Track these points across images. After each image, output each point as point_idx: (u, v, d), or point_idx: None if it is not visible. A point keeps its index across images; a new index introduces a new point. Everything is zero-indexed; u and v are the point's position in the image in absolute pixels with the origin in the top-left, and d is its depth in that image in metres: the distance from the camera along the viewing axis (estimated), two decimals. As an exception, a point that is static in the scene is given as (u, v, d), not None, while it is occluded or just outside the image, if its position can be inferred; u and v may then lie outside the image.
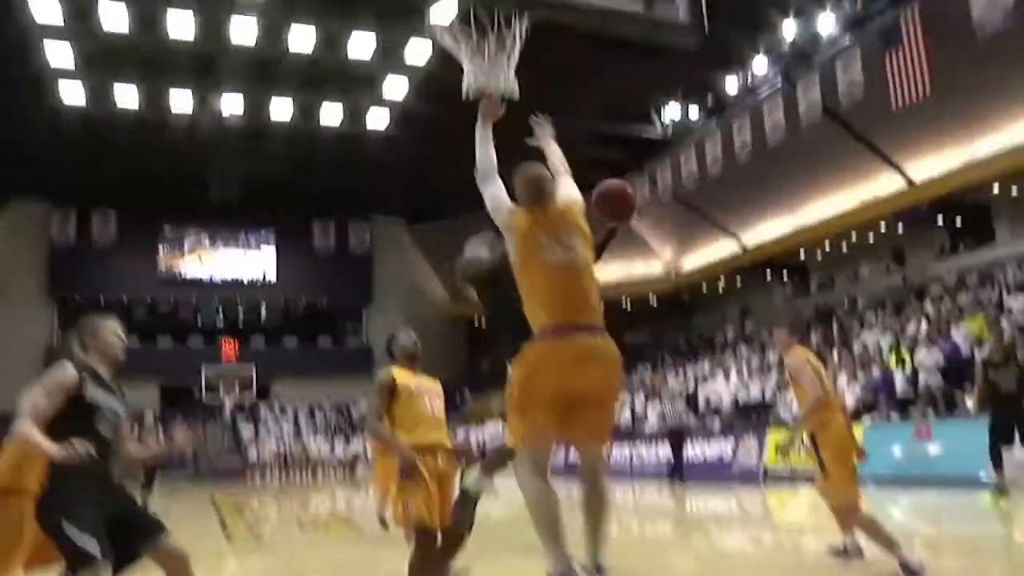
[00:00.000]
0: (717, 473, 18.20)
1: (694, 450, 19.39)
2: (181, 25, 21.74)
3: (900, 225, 24.69)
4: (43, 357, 33.07)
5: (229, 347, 34.54)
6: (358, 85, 25.71)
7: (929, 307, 19.99)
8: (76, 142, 28.16)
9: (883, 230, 25.21)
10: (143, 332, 34.91)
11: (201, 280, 35.86)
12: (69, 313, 34.75)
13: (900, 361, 17.54)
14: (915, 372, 17.10)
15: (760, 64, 24.10)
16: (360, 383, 32.75)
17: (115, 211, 34.00)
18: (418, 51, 23.49)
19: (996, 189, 21.72)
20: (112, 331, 4.12)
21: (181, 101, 26.07)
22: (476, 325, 38.94)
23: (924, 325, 18.72)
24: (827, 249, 27.52)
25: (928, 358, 17.07)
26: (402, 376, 5.09)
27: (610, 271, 35.56)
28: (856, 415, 16.68)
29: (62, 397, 4.05)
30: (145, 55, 23.29)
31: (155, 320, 35.83)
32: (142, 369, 33.88)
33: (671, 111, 28.09)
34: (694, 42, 20.94)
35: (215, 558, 8.44)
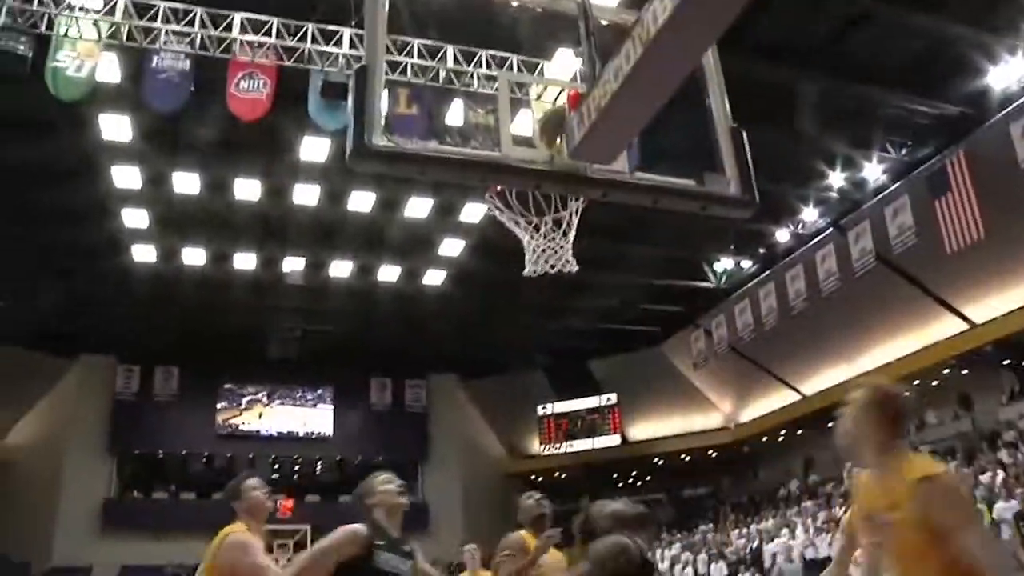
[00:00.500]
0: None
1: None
2: (248, 190, 22.87)
3: (964, 369, 24.18)
4: (100, 511, 33.32)
5: (284, 504, 34.30)
6: (415, 245, 26.51)
7: (1003, 454, 19.26)
8: (144, 299, 29.29)
9: (946, 373, 24.70)
10: (200, 487, 35.02)
11: (257, 434, 36.07)
12: (127, 466, 35.19)
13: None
14: (995, 525, 16.33)
15: (810, 214, 24.39)
16: (416, 540, 31.97)
17: (177, 367, 34.78)
18: (473, 211, 24.26)
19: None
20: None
21: (245, 261, 27.08)
22: (534, 479, 38.41)
23: (1000, 474, 18.00)
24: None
25: (1007, 510, 16.32)
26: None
27: (669, 425, 35.20)
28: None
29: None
30: (213, 217, 24.45)
31: (211, 475, 35.89)
32: (198, 524, 33.83)
33: (724, 263, 28.35)
34: (747, 214, 21.38)
35: None
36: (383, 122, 3.68)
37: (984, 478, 18.25)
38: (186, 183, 22.42)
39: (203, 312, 30.91)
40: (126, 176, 21.79)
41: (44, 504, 32.44)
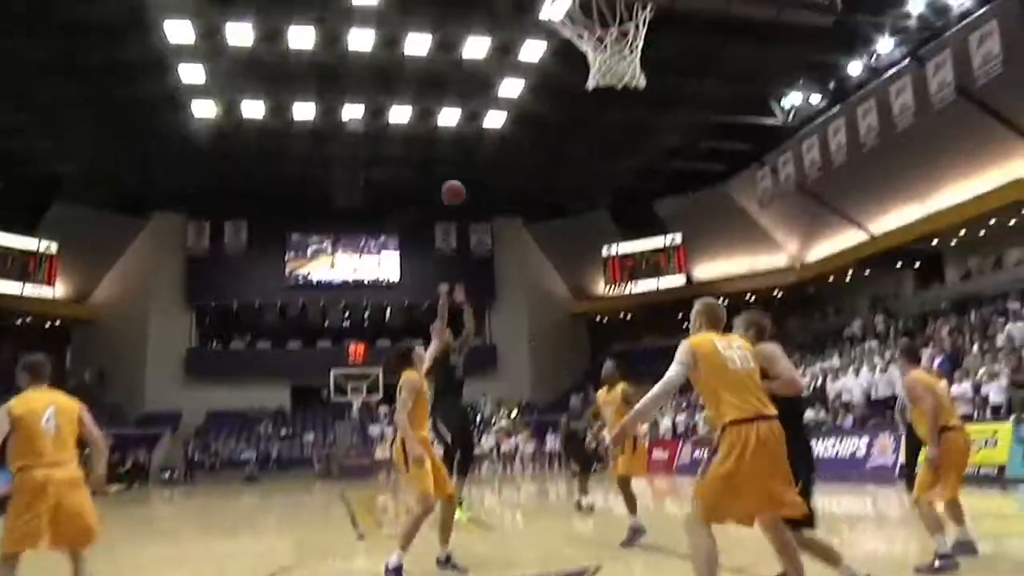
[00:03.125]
0: (850, 470, 17.51)
1: (826, 447, 18.73)
2: (302, 37, 22.47)
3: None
4: (184, 361, 34.97)
5: (356, 349, 35.47)
6: (474, 87, 26.01)
7: (1081, 294, 18.76)
8: (207, 155, 29.60)
9: (1027, 212, 23.80)
10: (274, 335, 36.33)
11: (328, 283, 36.97)
12: (205, 318, 36.57)
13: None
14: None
15: (886, 44, 23.10)
16: (485, 381, 33.10)
17: (245, 220, 35.51)
18: (533, 50, 23.54)
19: None
20: None
21: (304, 111, 26.94)
22: (599, 320, 38.89)
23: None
24: (963, 235, 26.18)
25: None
26: None
27: (735, 265, 34.96)
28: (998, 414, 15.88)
29: None
30: (269, 68, 24.22)
31: (285, 324, 37.15)
32: (274, 371, 35.38)
33: (792, 98, 27.29)
34: (828, 22, 20.26)
35: (347, 553, 8.69)
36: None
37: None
38: (240, 34, 22.12)
39: (266, 164, 31.23)
40: (179, 30, 21.55)
41: (132, 355, 34.38)
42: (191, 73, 23.92)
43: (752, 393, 4.22)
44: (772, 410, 4.20)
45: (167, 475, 29.55)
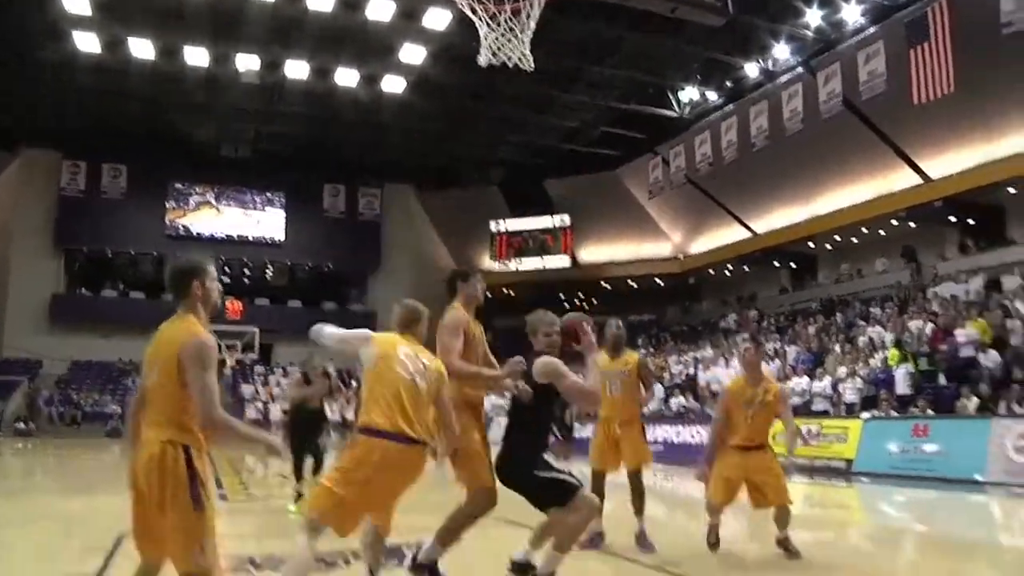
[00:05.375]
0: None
1: (692, 433, 19.35)
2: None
3: (912, 222, 24.54)
4: (48, 307, 33.35)
5: (233, 306, 34.53)
6: (376, 49, 25.50)
7: (936, 306, 19.87)
8: (89, 92, 28.11)
9: (895, 225, 25.08)
10: (149, 286, 35.03)
11: (209, 237, 35.82)
12: (75, 264, 34.95)
13: (903, 358, 17.49)
14: (917, 370, 17.07)
15: (782, 50, 23.86)
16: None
17: (126, 165, 33.96)
18: (438, 18, 23.22)
19: (1012, 191, 21.58)
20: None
21: (196, 56, 25.84)
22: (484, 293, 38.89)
23: (929, 325, 18.61)
24: (838, 240, 27.44)
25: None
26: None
27: (620, 251, 35.62)
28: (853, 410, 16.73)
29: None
30: (161, 7, 23.09)
31: (161, 275, 35.77)
32: (147, 323, 34.04)
33: (689, 93, 27.87)
34: (719, 21, 20.68)
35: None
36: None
37: (913, 325, 18.87)
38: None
39: (152, 108, 29.84)
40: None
41: (-9, 298, 32.47)
42: (75, 3, 22.57)
43: (406, 405, 4.09)
44: (415, 434, 4.06)
45: (21, 425, 28.18)
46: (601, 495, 6.02)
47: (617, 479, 6.60)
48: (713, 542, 6.13)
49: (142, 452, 3.18)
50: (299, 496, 8.80)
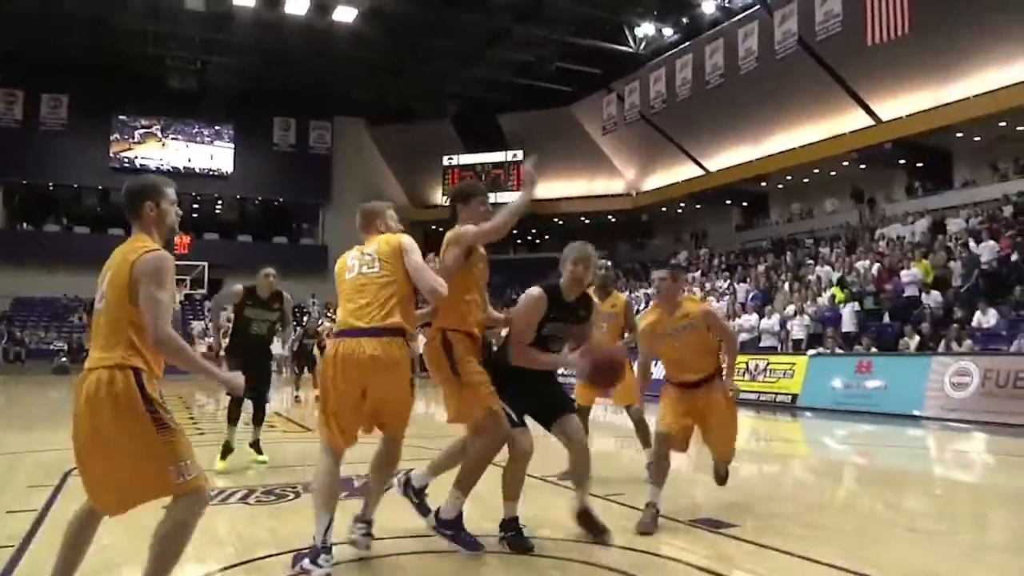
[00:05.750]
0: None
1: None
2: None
3: (862, 164, 24.85)
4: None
5: (181, 240, 33.94)
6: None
7: (882, 246, 20.24)
8: (26, 18, 26.96)
9: (846, 166, 25.37)
10: (94, 220, 34.19)
11: (156, 169, 34.90)
12: (15, 197, 33.95)
13: (849, 297, 17.84)
14: (863, 308, 17.44)
15: (739, -13, 23.74)
16: (315, 282, 32.68)
17: (67, 94, 32.77)
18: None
19: (960, 135, 21.91)
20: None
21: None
22: (435, 229, 38.75)
23: (876, 265, 18.97)
24: (789, 180, 27.71)
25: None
26: None
27: (573, 187, 35.57)
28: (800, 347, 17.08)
29: None
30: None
31: (106, 209, 35.02)
32: (92, 258, 33.28)
33: (645, 29, 27.65)
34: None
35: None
36: None
37: (859, 265, 19.24)
38: None
39: (94, 36, 28.76)
40: None
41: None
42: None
43: (352, 302, 3.94)
44: (365, 323, 3.85)
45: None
46: (585, 429, 5.53)
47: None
48: (653, 480, 5.10)
49: (87, 379, 2.91)
50: (227, 450, 7.17)
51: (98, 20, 27.35)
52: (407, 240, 4.12)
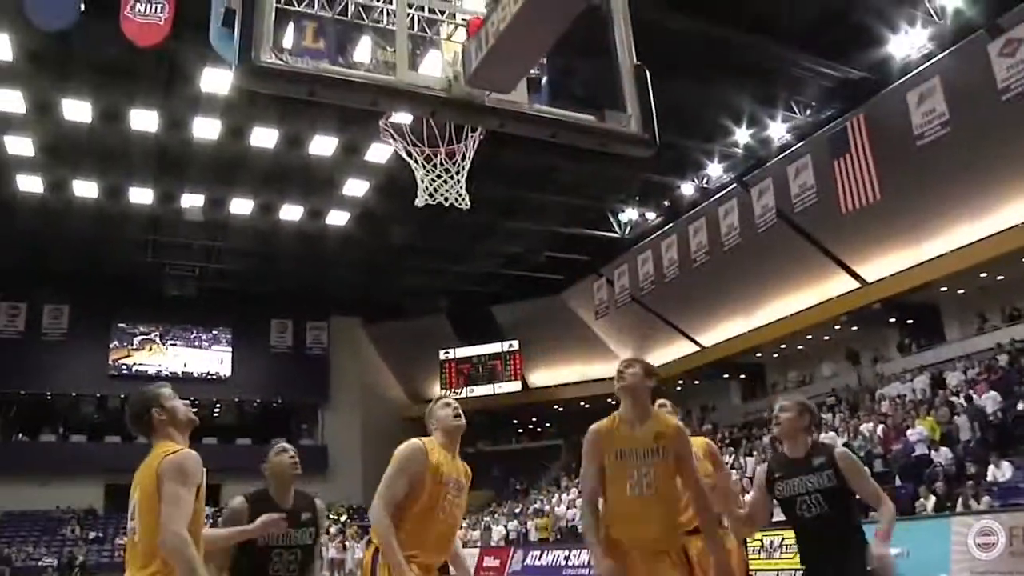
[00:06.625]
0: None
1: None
2: (144, 120, 21.76)
3: (854, 325, 25.09)
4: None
5: (178, 448, 33.56)
6: (319, 184, 25.82)
7: (885, 407, 20.08)
8: (30, 233, 27.89)
9: (837, 329, 25.59)
10: (91, 429, 33.94)
11: (154, 375, 35.03)
12: (12, 408, 33.82)
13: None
14: (872, 473, 17.05)
15: (716, 169, 24.75)
16: (315, 483, 31.96)
17: (67, 305, 33.31)
18: (379, 152, 23.65)
19: (944, 289, 22.25)
20: None
21: (141, 195, 25.93)
22: (434, 424, 38.40)
23: (880, 426, 18.76)
24: (783, 349, 27.85)
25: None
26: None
27: (569, 373, 35.63)
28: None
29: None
30: (106, 148, 23.24)
31: (103, 416, 34.84)
32: (87, 467, 32.80)
33: (628, 214, 28.58)
34: (647, 154, 21.40)
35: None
36: (271, 40, 3.45)
37: (864, 428, 18.99)
38: (77, 111, 21.17)
39: (95, 247, 29.67)
40: (7, 100, 20.46)
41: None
42: (18, 145, 22.67)
43: None
44: None
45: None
46: None
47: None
48: None
49: None
50: None
51: (100, 234, 28.26)
52: None
